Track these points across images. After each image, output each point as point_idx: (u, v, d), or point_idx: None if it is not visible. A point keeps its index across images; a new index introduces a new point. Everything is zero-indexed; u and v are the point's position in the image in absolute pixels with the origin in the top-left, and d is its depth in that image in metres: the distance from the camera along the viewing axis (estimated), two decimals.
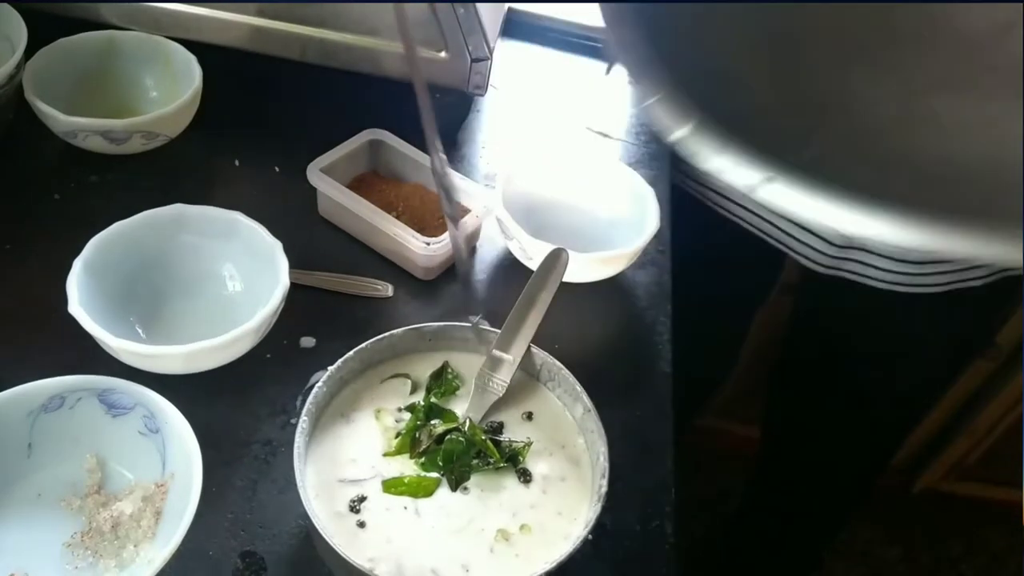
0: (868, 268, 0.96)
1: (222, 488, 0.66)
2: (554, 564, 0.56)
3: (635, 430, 0.75)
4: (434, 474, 0.60)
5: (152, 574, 0.54)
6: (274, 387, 0.73)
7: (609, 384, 0.77)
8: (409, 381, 0.65)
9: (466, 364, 0.66)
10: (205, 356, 0.67)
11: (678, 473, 0.72)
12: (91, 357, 0.68)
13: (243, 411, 0.71)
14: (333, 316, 0.80)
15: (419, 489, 0.59)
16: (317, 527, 0.55)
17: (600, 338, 0.79)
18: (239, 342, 0.68)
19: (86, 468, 0.64)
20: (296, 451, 0.59)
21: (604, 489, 0.59)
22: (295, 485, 0.58)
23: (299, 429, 0.60)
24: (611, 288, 0.86)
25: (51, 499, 0.62)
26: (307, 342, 0.77)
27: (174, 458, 0.62)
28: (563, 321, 0.75)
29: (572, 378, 0.66)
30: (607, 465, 0.61)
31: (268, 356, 0.74)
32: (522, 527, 0.58)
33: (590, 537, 0.58)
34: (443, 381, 0.65)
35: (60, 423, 0.63)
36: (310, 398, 0.62)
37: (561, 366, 0.67)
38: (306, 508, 0.56)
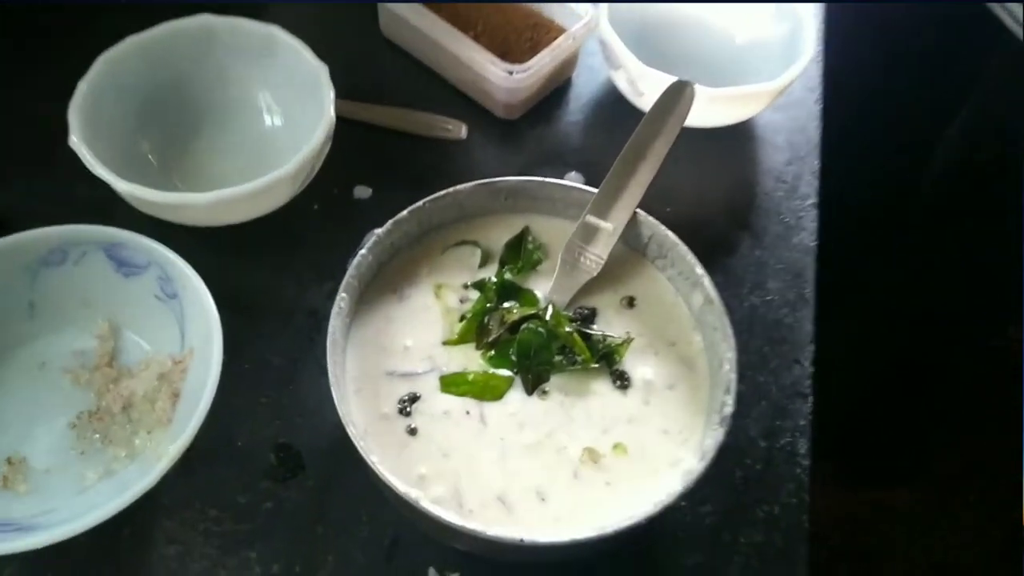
0: None
1: (257, 367, 0.56)
2: (660, 507, 0.42)
3: (765, 319, 0.59)
4: (505, 371, 0.49)
5: (165, 467, 0.45)
6: (321, 246, 0.61)
7: (736, 262, 0.61)
8: (479, 251, 0.53)
9: (552, 232, 0.54)
10: (234, 206, 0.55)
11: (819, 376, 0.57)
12: (107, 204, 0.56)
13: (283, 275, 0.60)
14: (393, 161, 0.66)
15: (486, 389, 0.48)
16: (352, 435, 0.43)
17: (726, 203, 0.65)
18: (275, 190, 0.55)
19: (97, 335, 0.54)
20: (330, 335, 0.46)
21: (729, 409, 0.45)
22: None
23: (335, 308, 0.47)
24: (742, 136, 0.69)
25: (55, 370, 0.53)
26: (362, 192, 0.64)
27: (194, 330, 0.51)
28: (680, 180, 0.59)
29: (691, 256, 0.50)
30: (734, 377, 0.46)
31: (315, 208, 0.62)
32: (615, 447, 0.47)
33: (703, 471, 0.44)
34: (522, 253, 0.53)
35: (64, 280, 0.53)
36: (351, 269, 0.48)
37: (677, 240, 0.51)
38: (338, 408, 0.44)
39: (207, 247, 0.54)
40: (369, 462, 0.43)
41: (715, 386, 0.48)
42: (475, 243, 0.53)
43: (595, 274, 0.51)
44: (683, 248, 0.51)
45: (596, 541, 0.42)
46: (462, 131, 0.67)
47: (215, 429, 0.47)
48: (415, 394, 0.48)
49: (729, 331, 0.48)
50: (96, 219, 0.53)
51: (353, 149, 0.63)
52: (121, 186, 0.53)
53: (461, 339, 0.50)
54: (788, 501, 0.53)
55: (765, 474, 0.54)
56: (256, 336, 0.56)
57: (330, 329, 0.47)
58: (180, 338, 0.52)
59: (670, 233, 0.52)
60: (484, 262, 0.53)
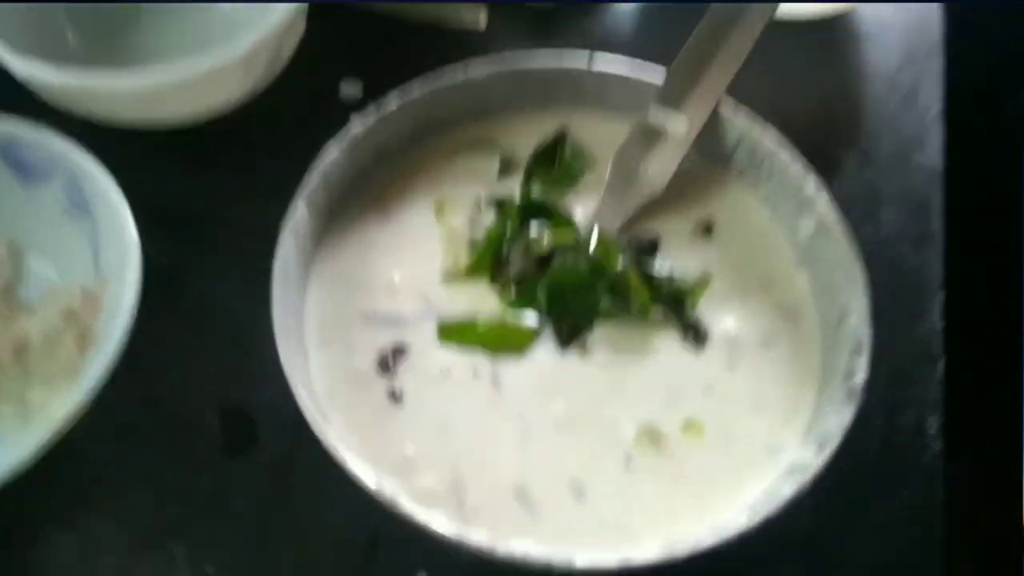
0: None
1: (201, 307, 0.44)
2: (758, 517, 0.30)
3: (879, 259, 0.46)
4: (530, 319, 0.37)
5: (60, 431, 0.35)
6: (293, 157, 0.48)
7: (840, 187, 0.49)
8: (497, 157, 0.41)
9: (599, 135, 0.42)
10: (173, 95, 0.43)
11: (952, 333, 0.46)
12: (14, 97, 0.44)
13: (242, 192, 0.47)
14: (390, 53, 0.54)
15: (503, 341, 0.37)
16: (301, 398, 0.30)
17: (826, 113, 0.53)
18: (223, 77, 0.43)
19: None
20: (280, 261, 0.33)
21: (860, 378, 0.33)
22: None
23: (288, 224, 0.33)
24: (845, 32, 0.56)
25: None
26: (350, 90, 0.51)
27: (111, 256, 0.40)
28: (768, 84, 0.46)
29: (798, 166, 0.38)
30: (867, 332, 0.34)
31: (288, 109, 0.50)
32: (687, 426, 0.35)
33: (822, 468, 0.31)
34: (557, 162, 0.41)
35: None
36: (314, 174, 0.35)
37: (779, 143, 0.37)
38: (283, 362, 0.31)
39: (144, 154, 0.45)
40: (322, 437, 0.29)
41: (832, 346, 0.36)
42: (492, 146, 0.41)
43: (659, 192, 0.40)
44: (787, 155, 0.38)
45: (660, 565, 0.30)
46: (480, 19, 0.54)
47: (139, 385, 0.39)
48: (403, 345, 0.36)
49: (858, 269, 0.35)
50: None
51: (340, 38, 0.52)
52: (19, 66, 0.40)
53: (470, 273, 0.39)
54: (914, 500, 0.41)
55: (883, 464, 0.42)
56: (203, 268, 0.45)
57: (279, 253, 0.33)
58: (94, 266, 0.40)
59: (769, 133, 0.37)
60: (505, 172, 0.41)
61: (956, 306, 0.47)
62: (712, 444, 0.35)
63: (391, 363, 0.36)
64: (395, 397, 0.35)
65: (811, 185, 0.37)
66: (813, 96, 0.54)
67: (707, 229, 0.40)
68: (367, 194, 0.40)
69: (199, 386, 0.42)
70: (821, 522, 0.40)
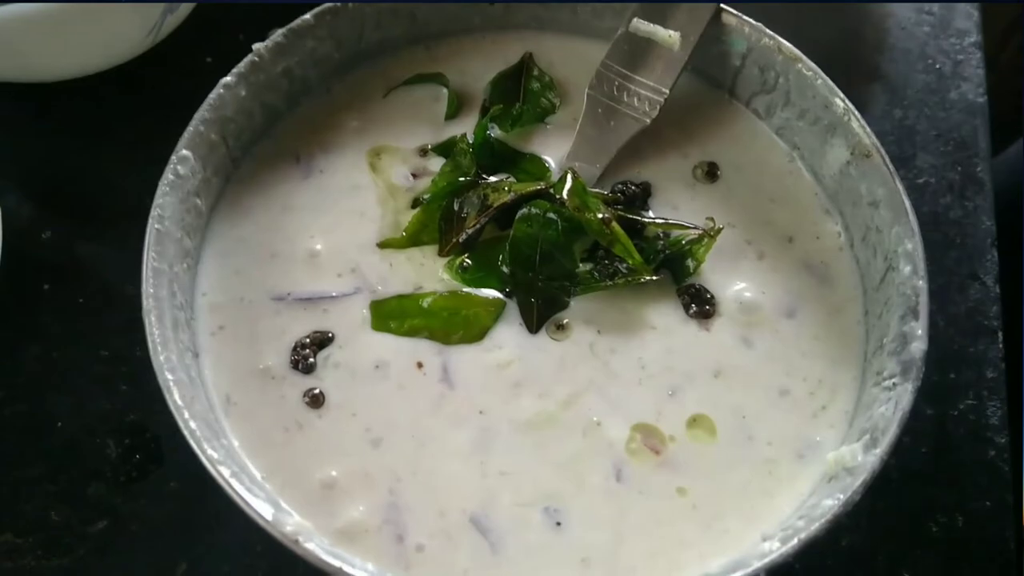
0: None
1: (94, 300, 0.37)
2: (791, 546, 0.23)
3: (918, 212, 0.38)
4: (491, 292, 0.30)
5: None
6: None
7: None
8: (445, 93, 0.35)
9: (572, 61, 0.35)
10: (48, 35, 0.36)
11: (1010, 298, 0.39)
12: None
13: (145, 162, 0.38)
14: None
15: (453, 324, 0.30)
16: (177, 409, 0.22)
17: (848, 42, 0.45)
18: (104, 8, 0.35)
19: None
20: (153, 224, 0.25)
21: (918, 347, 0.26)
22: None
23: (165, 178, 0.26)
24: None
25: None
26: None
27: None
28: (780, 6, 0.39)
29: (823, 81, 0.31)
30: (923, 287, 0.27)
31: (207, 62, 0.43)
32: (694, 422, 0.28)
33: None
34: (522, 95, 0.34)
35: None
36: (202, 109, 0.27)
37: (797, 53, 0.30)
38: (153, 359, 0.23)
39: (30, 116, 0.39)
40: (207, 463, 0.21)
41: (877, 309, 0.29)
42: (439, 79, 0.35)
43: (647, 122, 0.32)
44: (808, 68, 0.31)
45: None
46: None
47: (19, 399, 0.34)
48: (325, 334, 0.29)
49: (906, 205, 0.27)
50: None
51: None
52: None
53: (411, 239, 0.32)
54: (979, 506, 0.35)
55: (937, 463, 0.35)
56: (95, 252, 0.39)
57: (154, 214, 0.26)
58: None
59: (784, 44, 0.31)
60: (454, 112, 0.34)
61: (1013, 266, 0.41)
62: (725, 445, 0.28)
63: (310, 358, 0.29)
64: (315, 402, 0.28)
65: (840, 101, 0.30)
66: (835, 23, 0.46)
67: (710, 172, 0.33)
68: (280, 143, 0.32)
69: (93, 401, 0.35)
70: (867, 536, 0.34)
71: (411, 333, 0.30)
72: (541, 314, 0.30)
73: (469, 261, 0.31)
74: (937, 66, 0.45)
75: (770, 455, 0.27)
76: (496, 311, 0.30)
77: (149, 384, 0.32)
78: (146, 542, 0.34)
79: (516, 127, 0.34)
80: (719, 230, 0.30)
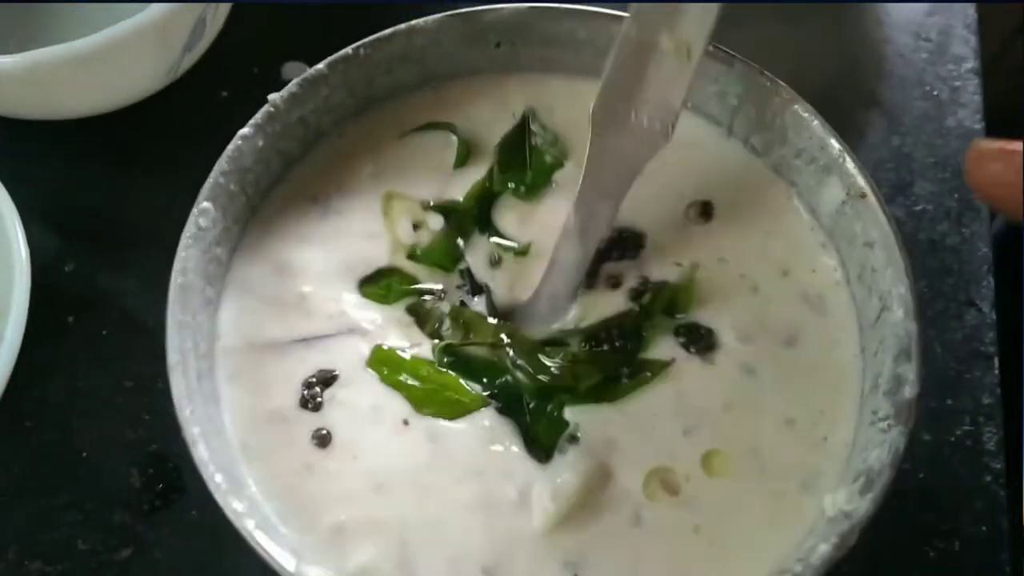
0: None
1: (117, 332, 0.38)
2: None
3: (916, 240, 0.43)
4: (474, 385, 0.30)
5: None
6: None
7: (864, 154, 0.45)
8: (454, 140, 0.33)
9: (577, 106, 0.32)
10: (74, 77, 0.37)
11: (1007, 326, 0.40)
12: None
13: (165, 194, 0.40)
14: (343, 28, 0.46)
15: (431, 398, 0.29)
16: (200, 459, 0.23)
17: (845, 68, 0.46)
18: (134, 53, 0.37)
19: None
20: (176, 277, 0.26)
21: (909, 392, 0.26)
22: None
23: (189, 230, 0.27)
24: None
25: None
26: (293, 71, 0.44)
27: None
28: (778, 34, 0.44)
29: (819, 122, 0.31)
30: (915, 329, 0.27)
31: (223, 96, 0.44)
32: (709, 458, 0.28)
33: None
34: (529, 158, 0.33)
35: None
36: (222, 161, 0.29)
37: (793, 95, 0.32)
38: (178, 413, 0.24)
39: (55, 150, 0.41)
40: (229, 514, 0.22)
41: (874, 346, 0.29)
42: (448, 128, 0.34)
43: (665, 142, 0.29)
44: (803, 109, 0.31)
45: None
46: None
47: (43, 429, 0.35)
48: (329, 374, 0.29)
49: (898, 249, 0.27)
50: None
51: (282, 15, 0.46)
52: None
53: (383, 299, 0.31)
54: (975, 531, 0.35)
55: (934, 488, 0.36)
56: (118, 284, 0.39)
57: (177, 265, 0.27)
58: None
59: (782, 85, 0.31)
60: (463, 160, 0.33)
61: (1009, 293, 0.41)
62: (741, 476, 0.28)
63: (318, 396, 0.28)
64: (322, 440, 0.28)
65: (836, 143, 0.30)
66: (832, 49, 0.48)
67: (704, 211, 0.32)
68: (297, 185, 0.32)
69: (117, 431, 0.36)
70: (864, 564, 0.33)
71: (395, 387, 0.29)
72: (531, 438, 0.28)
73: (450, 358, 0.30)
74: (935, 93, 0.46)
75: (778, 487, 0.27)
76: (480, 405, 0.29)
77: (171, 415, 0.33)
78: (170, 569, 0.34)
79: (529, 193, 0.32)
80: (695, 270, 0.30)
